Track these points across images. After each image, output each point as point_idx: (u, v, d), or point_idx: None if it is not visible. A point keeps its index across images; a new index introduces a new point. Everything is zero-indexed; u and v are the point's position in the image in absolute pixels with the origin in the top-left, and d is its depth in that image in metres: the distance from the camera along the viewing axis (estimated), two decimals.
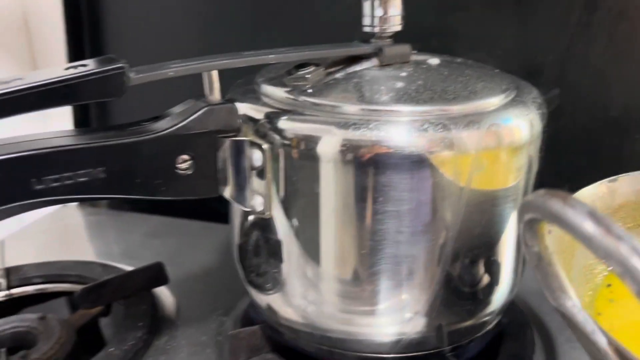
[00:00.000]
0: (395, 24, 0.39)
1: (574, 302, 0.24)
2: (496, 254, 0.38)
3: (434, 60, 0.41)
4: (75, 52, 0.73)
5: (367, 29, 0.40)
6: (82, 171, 0.31)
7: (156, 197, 0.34)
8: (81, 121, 0.74)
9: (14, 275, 0.56)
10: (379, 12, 0.39)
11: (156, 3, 0.69)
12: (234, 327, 0.48)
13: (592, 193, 0.38)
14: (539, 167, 0.38)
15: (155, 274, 0.52)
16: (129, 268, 0.57)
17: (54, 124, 0.80)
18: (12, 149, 0.30)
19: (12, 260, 0.57)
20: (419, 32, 0.47)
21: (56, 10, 0.74)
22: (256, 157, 0.36)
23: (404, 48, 0.40)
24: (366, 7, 0.39)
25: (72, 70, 0.31)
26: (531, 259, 0.25)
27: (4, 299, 0.55)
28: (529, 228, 0.23)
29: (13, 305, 0.56)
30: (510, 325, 0.45)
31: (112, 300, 0.51)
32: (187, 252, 0.61)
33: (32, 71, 0.31)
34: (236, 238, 0.43)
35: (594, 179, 0.58)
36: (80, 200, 0.32)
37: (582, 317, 0.24)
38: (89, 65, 0.31)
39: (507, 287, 0.40)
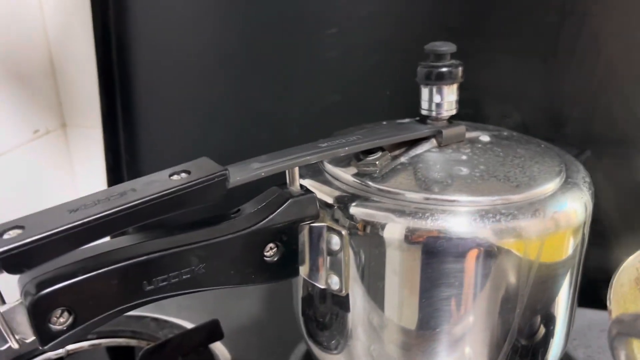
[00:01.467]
0: (452, 109, 0.42)
1: None
2: (554, 317, 0.41)
3: (485, 137, 0.44)
4: (108, 102, 0.75)
5: (424, 112, 0.43)
6: (186, 269, 0.34)
7: (247, 285, 0.37)
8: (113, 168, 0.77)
9: None
10: (437, 98, 0.42)
11: (186, 45, 0.71)
12: None
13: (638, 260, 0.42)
14: (589, 240, 0.42)
15: (211, 330, 0.55)
16: (179, 321, 0.60)
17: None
18: (124, 254, 0.32)
19: None
20: None
21: (85, 57, 0.76)
22: (334, 241, 0.38)
23: (460, 129, 0.43)
24: (423, 93, 0.42)
25: (176, 178, 0.33)
26: None
27: (61, 356, 0.57)
28: (619, 340, 0.26)
29: None
30: None
31: (173, 359, 0.53)
32: (233, 302, 0.63)
33: (137, 180, 0.33)
34: (299, 297, 0.46)
35: (622, 231, 0.61)
36: (181, 295, 0.35)
37: None
38: (192, 171, 0.33)
39: (561, 345, 0.43)
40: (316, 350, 0.46)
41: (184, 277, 0.34)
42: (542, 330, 0.41)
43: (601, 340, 0.55)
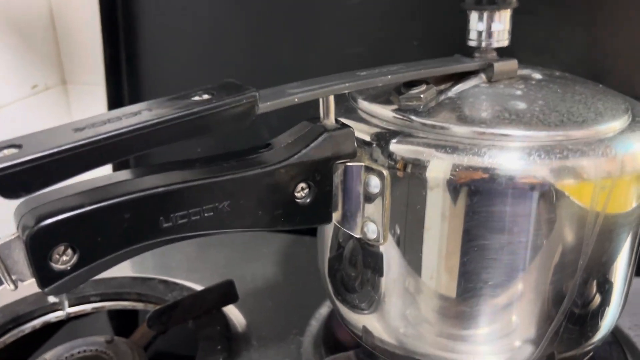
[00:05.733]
0: (503, 39, 0.38)
1: None
2: (612, 280, 0.37)
3: (537, 75, 0.39)
4: (111, 54, 0.70)
5: (472, 43, 0.38)
6: (209, 206, 0.29)
7: (275, 228, 0.32)
8: None
9: (72, 293, 0.54)
10: (487, 26, 0.37)
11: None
12: (315, 348, 0.47)
13: None
14: None
15: (226, 292, 0.51)
16: (189, 283, 0.55)
17: None
18: (139, 185, 0.28)
19: None
20: None
21: (86, 10, 0.71)
22: (373, 183, 0.34)
23: (512, 64, 0.38)
24: (472, 21, 0.38)
25: (198, 99, 0.28)
26: None
27: (61, 318, 0.53)
28: None
29: (64, 325, 0.54)
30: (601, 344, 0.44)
31: (184, 322, 0.49)
32: (245, 264, 0.59)
33: (154, 101, 0.28)
34: (327, 252, 0.41)
35: None
36: (203, 236, 0.30)
37: None
38: (217, 93, 0.29)
39: (617, 311, 0.39)
40: (344, 310, 0.41)
41: (206, 214, 0.29)
42: (600, 292, 0.37)
43: None
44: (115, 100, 0.72)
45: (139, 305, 0.54)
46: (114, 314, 0.57)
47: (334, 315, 0.49)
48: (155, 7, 0.69)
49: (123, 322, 0.57)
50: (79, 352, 0.47)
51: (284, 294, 0.54)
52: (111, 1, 0.69)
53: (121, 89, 0.72)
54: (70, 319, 0.54)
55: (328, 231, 0.41)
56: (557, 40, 0.57)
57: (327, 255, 0.41)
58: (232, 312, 0.51)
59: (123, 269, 0.58)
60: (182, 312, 0.49)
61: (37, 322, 0.52)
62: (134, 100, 0.72)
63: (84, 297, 0.54)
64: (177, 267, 0.58)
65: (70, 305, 0.53)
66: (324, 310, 0.51)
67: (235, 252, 0.61)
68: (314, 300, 0.52)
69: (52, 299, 0.52)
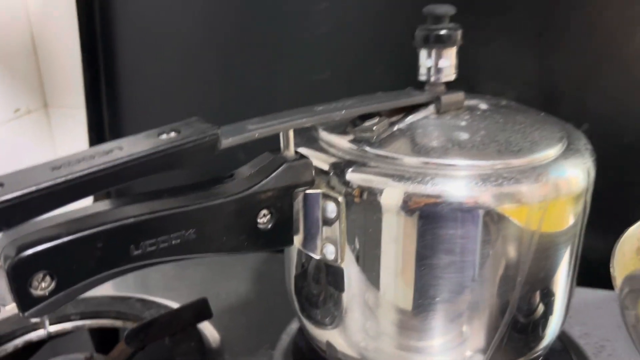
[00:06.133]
0: (450, 74, 0.41)
1: None
2: (552, 293, 0.40)
3: (483, 105, 0.43)
4: (91, 78, 0.73)
5: (422, 78, 0.42)
6: (176, 234, 0.32)
7: (240, 252, 0.35)
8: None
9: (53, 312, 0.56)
10: (435, 63, 0.40)
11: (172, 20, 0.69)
12: None
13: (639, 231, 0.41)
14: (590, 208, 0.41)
15: (200, 310, 0.53)
16: (166, 301, 0.58)
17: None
18: (111, 216, 0.31)
19: None
20: None
21: (66, 35, 0.74)
22: (330, 208, 0.37)
23: (459, 96, 0.41)
24: (422, 58, 0.41)
25: (165, 137, 0.31)
26: (629, 320, 0.27)
27: (43, 338, 0.55)
28: (630, 298, 0.25)
29: (46, 343, 0.56)
30: (550, 352, 0.47)
31: (160, 338, 0.52)
32: (220, 282, 0.61)
33: (125, 139, 0.31)
34: (292, 271, 0.44)
35: (612, 203, 0.61)
36: (171, 261, 0.33)
37: None
38: (182, 131, 0.32)
39: (560, 320, 0.42)
40: (309, 326, 0.44)
41: (173, 242, 0.32)
42: (542, 304, 0.40)
43: (596, 318, 0.55)
44: (95, 122, 0.74)
45: (117, 323, 0.56)
46: (94, 332, 0.59)
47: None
48: (133, 32, 0.72)
49: (103, 340, 0.59)
50: None
51: (256, 310, 0.57)
52: (91, 26, 0.72)
53: (101, 111, 0.75)
54: (51, 337, 0.57)
55: (293, 251, 0.44)
56: (512, 67, 0.61)
57: (293, 273, 0.44)
58: (207, 328, 0.54)
59: (103, 288, 0.60)
60: (158, 330, 0.51)
61: (19, 341, 0.54)
62: (114, 122, 0.75)
63: (65, 316, 0.56)
64: (155, 285, 0.61)
65: (51, 324, 0.55)
66: (294, 325, 0.54)
67: (211, 270, 0.64)
68: (286, 316, 0.54)
69: (33, 319, 0.54)
